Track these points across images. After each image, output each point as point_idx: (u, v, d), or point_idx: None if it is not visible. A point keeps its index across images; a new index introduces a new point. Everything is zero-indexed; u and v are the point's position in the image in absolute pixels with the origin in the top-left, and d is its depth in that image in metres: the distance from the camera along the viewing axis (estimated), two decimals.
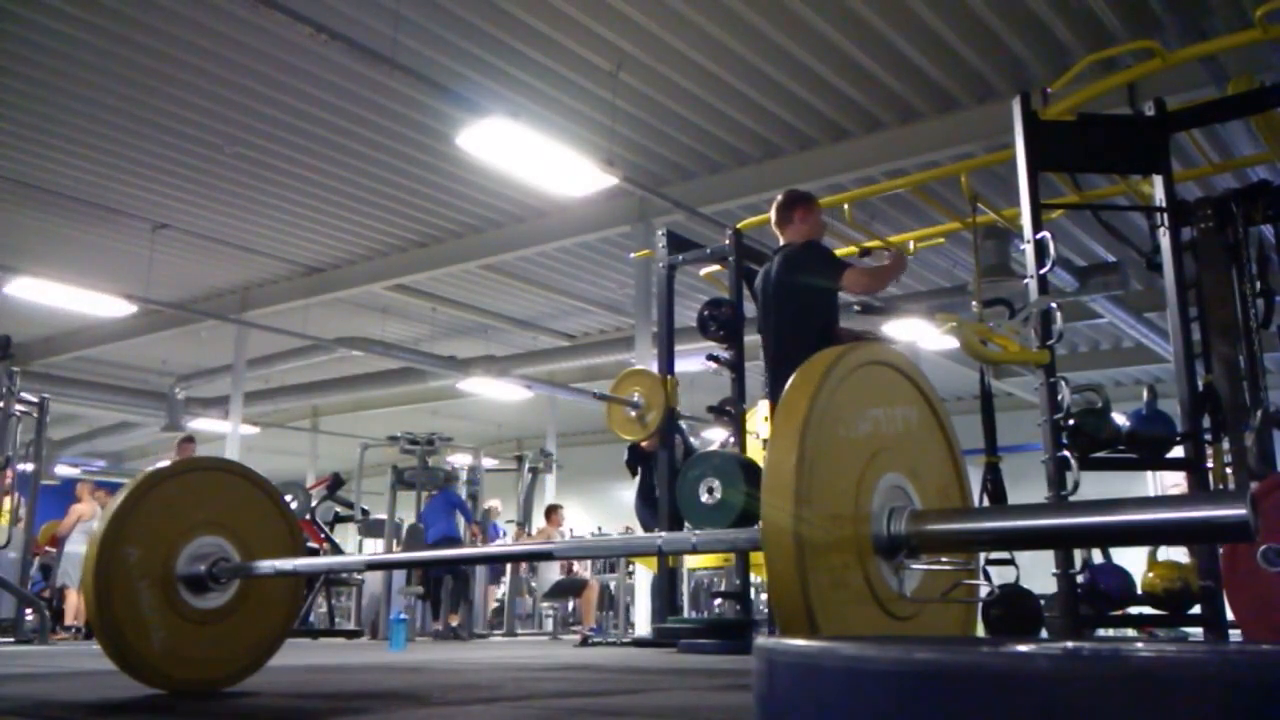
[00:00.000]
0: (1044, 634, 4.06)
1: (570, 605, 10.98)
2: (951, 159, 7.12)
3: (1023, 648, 0.73)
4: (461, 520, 10.15)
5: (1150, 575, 3.87)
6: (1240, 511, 1.11)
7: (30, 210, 9.39)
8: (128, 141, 8.02)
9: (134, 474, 2.48)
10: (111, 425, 18.43)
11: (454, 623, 9.53)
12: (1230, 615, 3.44)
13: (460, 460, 12.00)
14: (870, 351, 1.51)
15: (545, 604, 11.14)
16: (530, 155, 6.74)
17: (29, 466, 7.53)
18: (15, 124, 7.73)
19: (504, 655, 5.28)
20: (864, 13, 6.24)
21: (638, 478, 6.93)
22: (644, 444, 6.26)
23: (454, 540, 9.57)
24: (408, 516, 10.25)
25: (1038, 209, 3.83)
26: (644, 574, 9.38)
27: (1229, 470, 3.81)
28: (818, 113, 7.50)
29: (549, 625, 11.40)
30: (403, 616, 7.17)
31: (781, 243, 4.55)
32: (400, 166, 8.48)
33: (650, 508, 6.59)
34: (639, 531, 7.21)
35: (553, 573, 9.95)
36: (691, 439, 7.39)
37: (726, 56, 6.76)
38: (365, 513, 11.19)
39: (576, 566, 10.21)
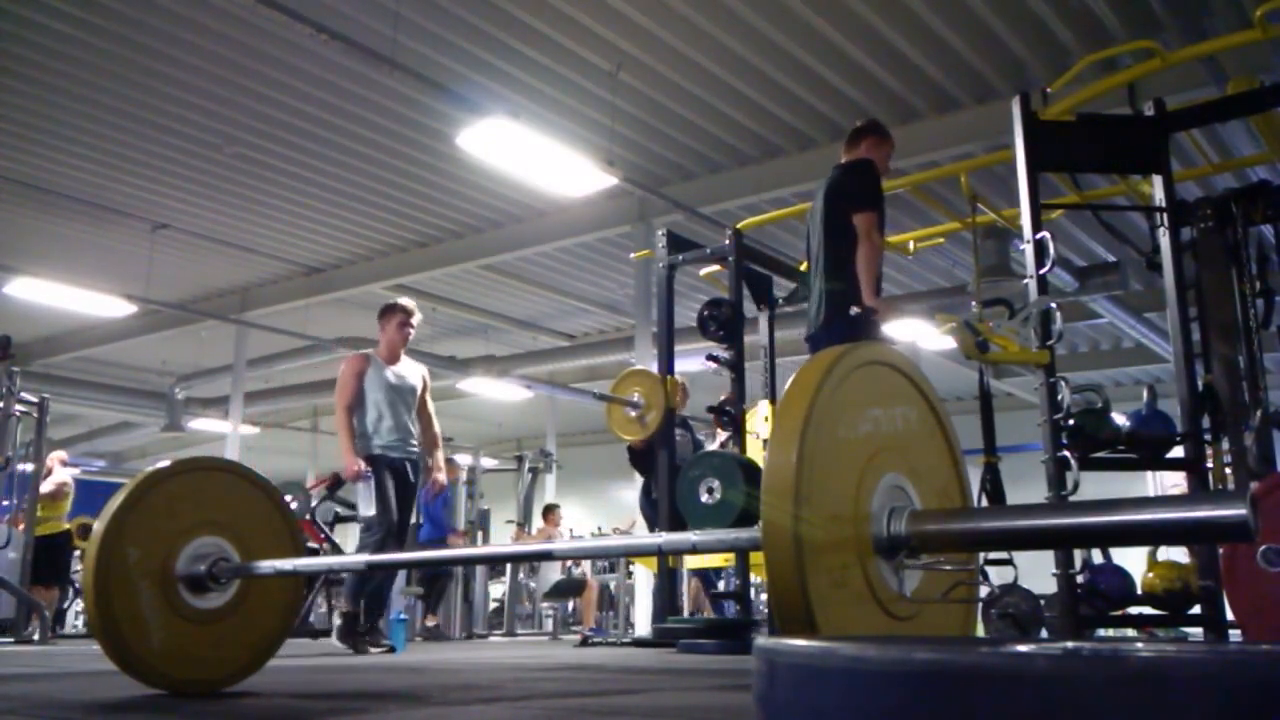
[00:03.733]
0: (1044, 634, 4.06)
1: (570, 605, 10.97)
2: (951, 159, 7.13)
3: (1023, 648, 0.73)
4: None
5: (1150, 575, 3.87)
6: (1240, 511, 1.11)
7: (30, 210, 9.40)
8: (128, 141, 8.02)
9: (134, 474, 2.48)
10: (111, 425, 18.44)
11: (430, 623, 9.50)
12: (1230, 615, 3.44)
13: (460, 460, 12.00)
14: (870, 352, 1.51)
15: (545, 604, 11.13)
16: (530, 155, 6.75)
17: (29, 466, 7.53)
18: (15, 124, 7.73)
19: (504, 655, 5.28)
20: (864, 13, 6.25)
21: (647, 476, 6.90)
22: (636, 442, 6.16)
23: (443, 543, 9.47)
24: None
25: (1037, 209, 3.84)
26: (644, 574, 9.38)
27: (1229, 470, 3.81)
28: (818, 113, 7.50)
29: (548, 625, 11.39)
30: (403, 616, 7.16)
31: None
32: (400, 166, 8.48)
33: (653, 505, 6.58)
34: (642, 530, 7.20)
35: (553, 573, 9.94)
36: (700, 435, 7.38)
37: (726, 56, 6.76)
38: None
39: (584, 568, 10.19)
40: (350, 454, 5.24)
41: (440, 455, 5.73)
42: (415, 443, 5.45)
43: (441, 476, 5.69)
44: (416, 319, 5.63)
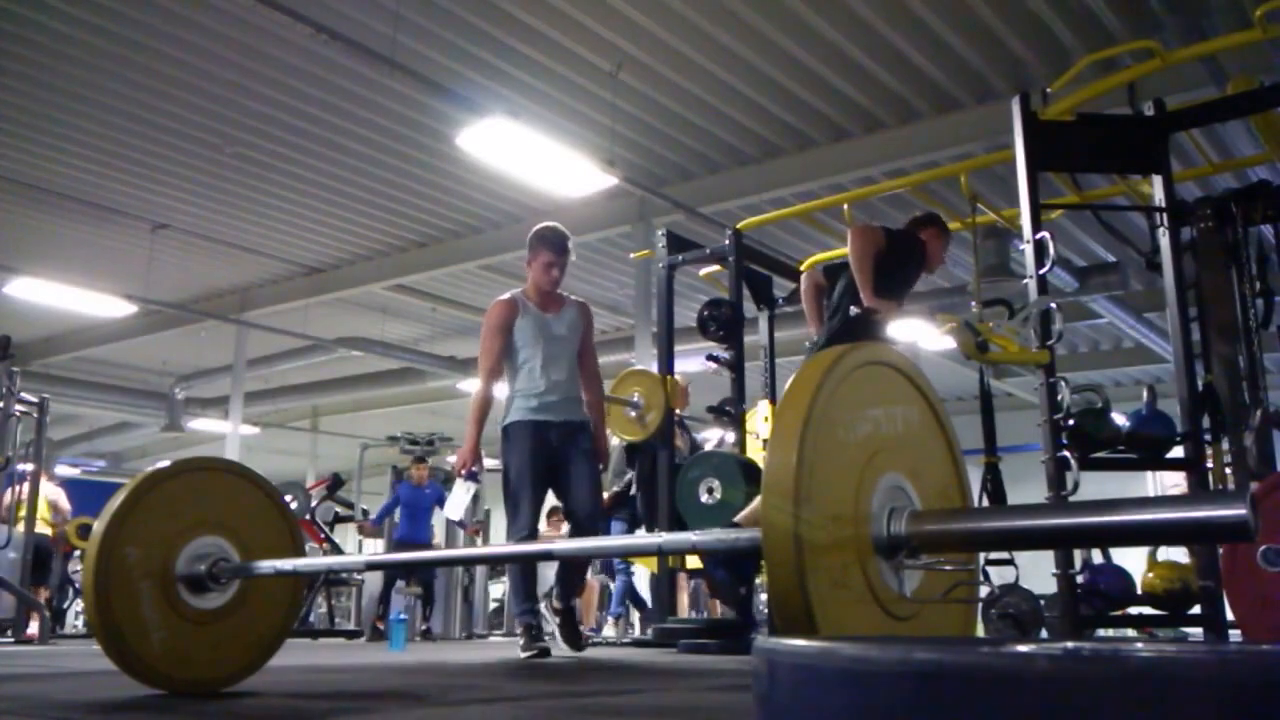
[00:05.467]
0: (1044, 634, 4.06)
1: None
2: (951, 159, 7.12)
3: (1023, 648, 0.73)
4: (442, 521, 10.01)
5: (1150, 575, 3.87)
6: (1240, 511, 1.11)
7: (30, 210, 9.40)
8: (128, 141, 8.02)
9: (134, 474, 2.48)
10: (111, 425, 18.44)
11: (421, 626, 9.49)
12: (1230, 615, 3.44)
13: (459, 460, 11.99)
14: (870, 352, 1.51)
15: (545, 604, 11.11)
16: (530, 155, 6.75)
17: (29, 466, 7.53)
18: (15, 124, 7.73)
19: (504, 655, 5.28)
20: (864, 13, 6.24)
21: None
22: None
23: (420, 545, 9.32)
24: None
25: (1037, 209, 3.84)
26: (644, 573, 9.37)
27: (1229, 470, 3.82)
28: (818, 113, 7.50)
29: (549, 625, 11.39)
30: (402, 616, 7.16)
31: None
32: (400, 166, 8.48)
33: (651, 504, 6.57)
34: (641, 529, 7.21)
35: (553, 572, 9.92)
36: (696, 435, 7.39)
37: (726, 56, 6.76)
38: (365, 513, 11.19)
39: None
40: (471, 442, 4.15)
41: (604, 426, 4.50)
42: (581, 402, 4.29)
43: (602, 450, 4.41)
44: (569, 259, 4.33)
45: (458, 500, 4.29)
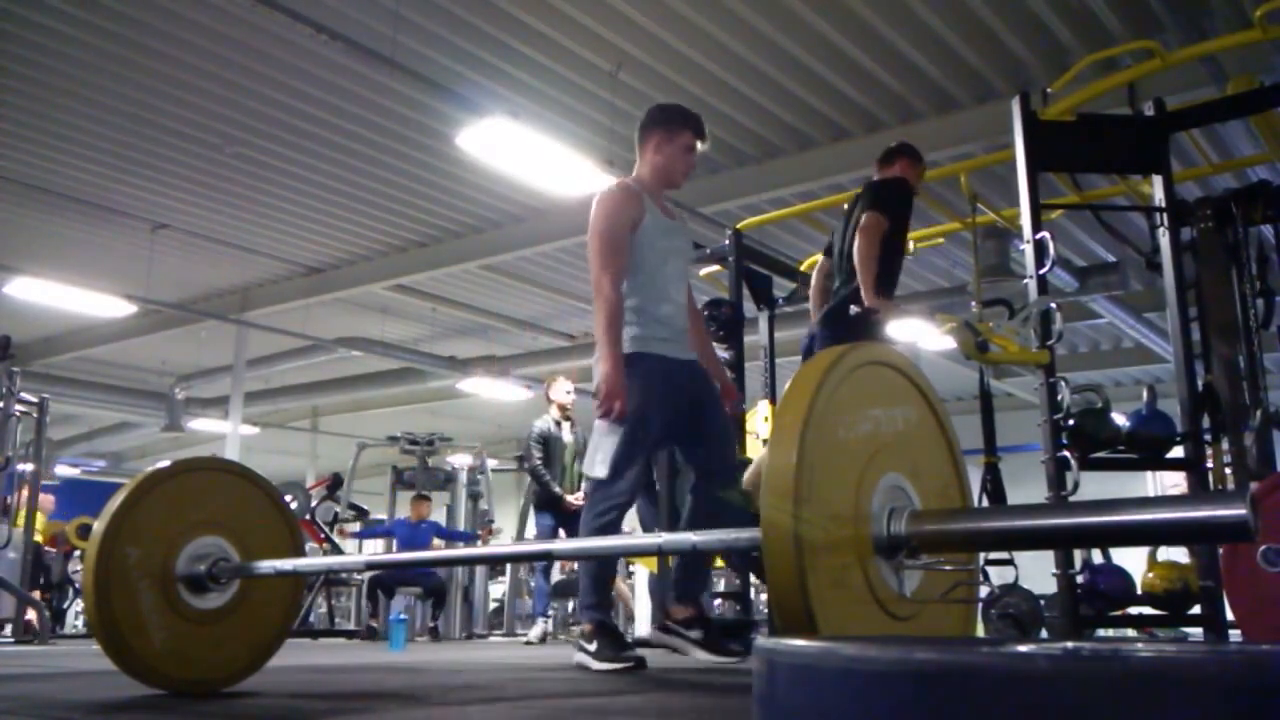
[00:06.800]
0: (1044, 634, 4.06)
1: (570, 605, 10.97)
2: (951, 159, 7.12)
3: (1023, 648, 0.73)
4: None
5: (1150, 575, 3.87)
6: (1240, 511, 1.11)
7: (30, 210, 9.39)
8: (128, 141, 8.02)
9: (134, 474, 2.48)
10: (111, 425, 18.43)
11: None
12: (1230, 615, 3.44)
13: (460, 461, 12.01)
14: (870, 352, 1.52)
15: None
16: (530, 155, 6.75)
17: (29, 466, 7.53)
18: (15, 124, 7.73)
19: (504, 655, 5.28)
20: (864, 13, 6.24)
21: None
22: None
23: (415, 580, 9.33)
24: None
25: (1037, 209, 3.84)
26: (644, 574, 9.36)
27: (1229, 470, 3.82)
28: (818, 113, 7.50)
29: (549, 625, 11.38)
30: (403, 616, 7.16)
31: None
32: (400, 166, 8.48)
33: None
34: (639, 529, 7.21)
35: (553, 573, 9.93)
36: None
37: (726, 56, 6.76)
38: (365, 512, 11.18)
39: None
40: (617, 367, 3.06)
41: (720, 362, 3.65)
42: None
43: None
44: (703, 145, 3.41)
45: (605, 452, 3.13)
